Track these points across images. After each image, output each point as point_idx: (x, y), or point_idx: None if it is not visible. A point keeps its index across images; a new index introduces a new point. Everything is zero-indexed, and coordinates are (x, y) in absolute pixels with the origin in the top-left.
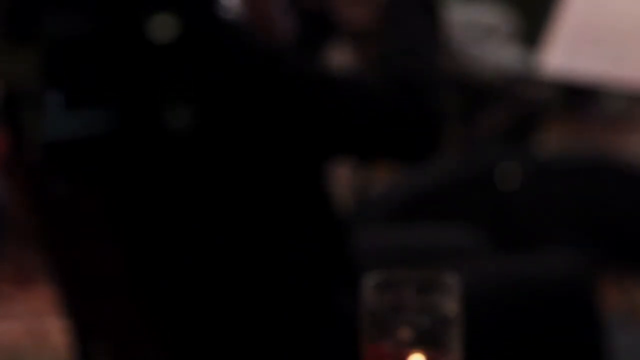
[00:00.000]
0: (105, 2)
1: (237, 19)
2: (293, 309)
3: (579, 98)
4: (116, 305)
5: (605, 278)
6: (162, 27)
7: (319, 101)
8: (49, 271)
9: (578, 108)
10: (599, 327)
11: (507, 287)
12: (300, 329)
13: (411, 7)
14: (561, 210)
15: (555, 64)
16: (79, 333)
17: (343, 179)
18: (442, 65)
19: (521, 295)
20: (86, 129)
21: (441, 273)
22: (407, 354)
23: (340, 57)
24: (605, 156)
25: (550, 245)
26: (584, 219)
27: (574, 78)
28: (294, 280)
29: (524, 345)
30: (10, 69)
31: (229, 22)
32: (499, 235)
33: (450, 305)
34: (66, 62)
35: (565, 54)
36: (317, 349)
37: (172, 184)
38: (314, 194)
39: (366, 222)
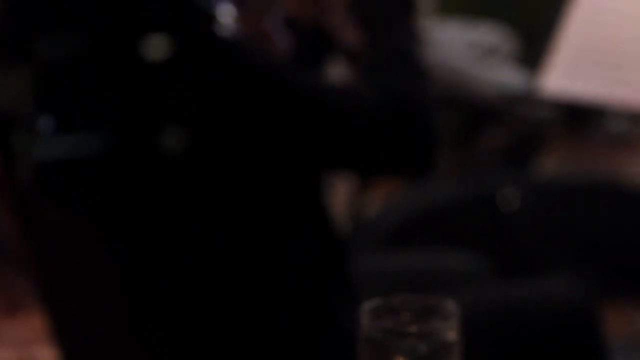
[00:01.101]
0: (98, 23)
1: (233, 36)
2: (292, 326)
3: (580, 118)
4: (110, 332)
5: (608, 304)
6: (157, 46)
7: (317, 116)
8: (41, 298)
9: (580, 128)
10: (602, 354)
11: (507, 313)
12: (299, 346)
13: (393, 21)
14: (562, 234)
15: (554, 86)
16: None
17: (340, 202)
18: (436, 82)
19: (522, 321)
20: (80, 151)
21: (440, 298)
22: None
23: (337, 74)
24: (608, 178)
25: (552, 270)
26: (586, 242)
27: (574, 99)
28: (292, 296)
29: None
30: (2, 91)
31: (225, 39)
32: (499, 259)
33: (450, 331)
34: (59, 83)
35: (565, 75)
36: None
37: (168, 206)
38: (312, 211)
39: (363, 246)
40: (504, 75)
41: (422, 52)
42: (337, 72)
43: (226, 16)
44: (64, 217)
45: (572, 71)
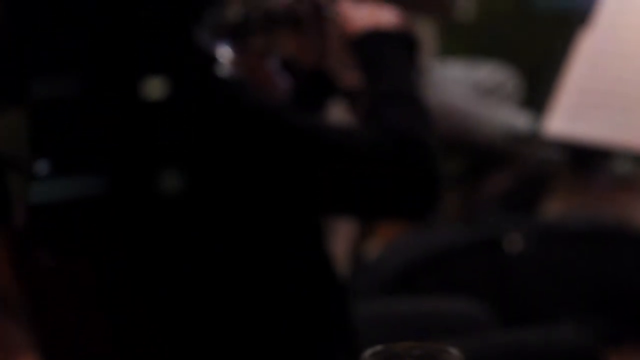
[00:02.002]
0: (97, 62)
1: (232, 77)
2: None
3: (585, 159)
4: None
5: (613, 351)
6: (155, 86)
7: (317, 157)
8: (35, 345)
9: (584, 170)
10: None
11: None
12: None
13: (394, 61)
14: (567, 279)
15: (557, 127)
16: None
17: (341, 245)
18: (439, 122)
19: None
20: (75, 193)
21: (443, 345)
22: None
23: (337, 115)
24: (613, 221)
25: (556, 316)
26: (591, 288)
27: (577, 141)
28: (291, 341)
29: None
30: None
31: (224, 80)
32: (503, 305)
33: None
34: (55, 124)
35: (567, 117)
36: None
37: (164, 247)
38: (312, 254)
39: (364, 291)
40: (507, 116)
41: (424, 92)
42: (337, 113)
43: (226, 57)
44: (59, 263)
45: (574, 113)
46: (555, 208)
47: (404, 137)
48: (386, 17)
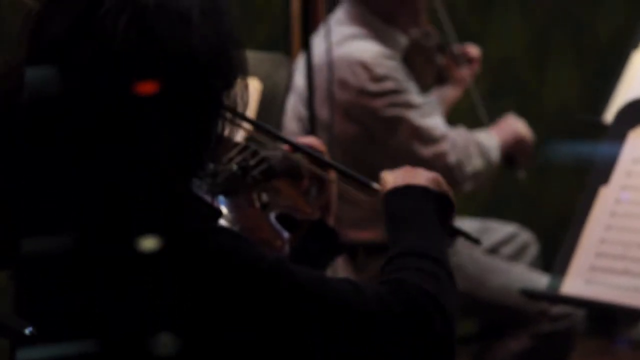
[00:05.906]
0: (87, 222)
1: (230, 233)
2: None
3: (606, 321)
4: None
5: None
6: (149, 243)
7: (321, 317)
8: None
9: (605, 331)
10: None
11: None
12: None
13: (418, 218)
14: None
15: (574, 288)
16: None
17: None
18: (458, 285)
19: None
20: (63, 355)
21: None
22: None
23: (340, 268)
24: None
25: None
26: None
27: (595, 303)
28: None
29: None
30: None
31: (222, 236)
32: None
33: None
34: (42, 287)
35: (584, 279)
36: None
37: None
38: None
39: None
40: (522, 274)
41: (449, 258)
42: (339, 266)
43: (224, 212)
44: None
45: (591, 274)
46: None
47: (418, 298)
48: (420, 177)
